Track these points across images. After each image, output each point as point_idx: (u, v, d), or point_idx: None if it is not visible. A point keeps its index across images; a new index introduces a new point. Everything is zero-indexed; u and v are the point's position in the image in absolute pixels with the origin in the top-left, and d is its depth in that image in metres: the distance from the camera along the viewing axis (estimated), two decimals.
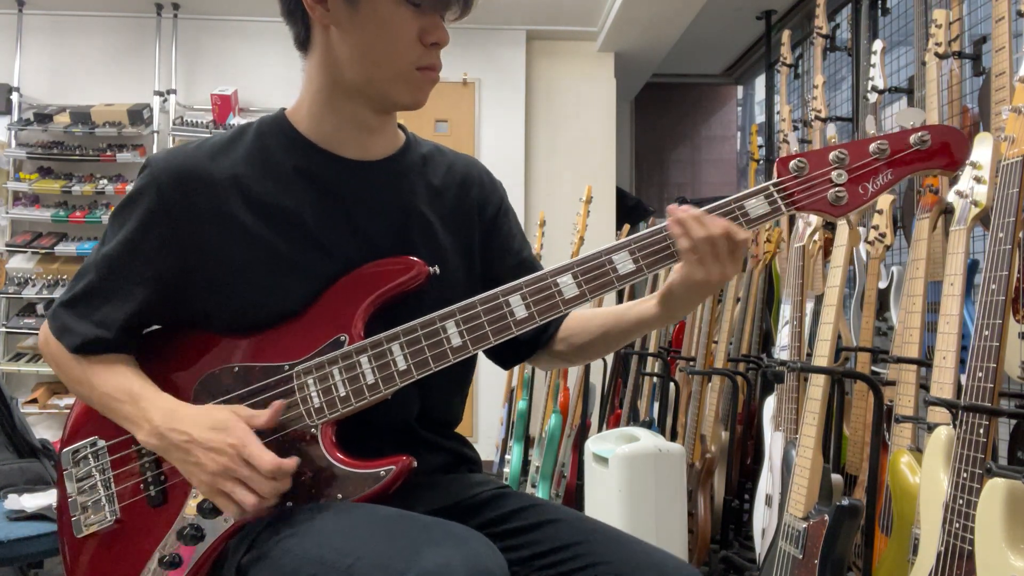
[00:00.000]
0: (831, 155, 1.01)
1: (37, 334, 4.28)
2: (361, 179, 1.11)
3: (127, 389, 1.05)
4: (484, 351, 1.24)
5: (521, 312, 1.03)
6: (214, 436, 0.98)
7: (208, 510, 1.03)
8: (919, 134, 1.00)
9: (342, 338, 1.04)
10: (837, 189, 1.01)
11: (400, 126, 1.20)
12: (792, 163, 1.02)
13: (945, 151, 1.00)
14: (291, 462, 0.98)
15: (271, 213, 1.06)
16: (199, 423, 0.99)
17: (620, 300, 4.26)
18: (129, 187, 4.43)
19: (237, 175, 1.06)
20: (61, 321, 1.08)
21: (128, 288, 1.06)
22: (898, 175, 1.01)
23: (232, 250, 1.05)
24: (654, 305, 1.11)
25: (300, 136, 1.11)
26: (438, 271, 1.09)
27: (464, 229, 1.19)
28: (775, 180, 1.03)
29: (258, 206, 1.06)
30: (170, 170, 1.05)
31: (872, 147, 1.01)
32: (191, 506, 1.04)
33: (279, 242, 1.06)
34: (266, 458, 0.97)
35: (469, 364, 1.17)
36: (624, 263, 1.02)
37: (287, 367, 1.05)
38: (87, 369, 1.07)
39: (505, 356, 1.27)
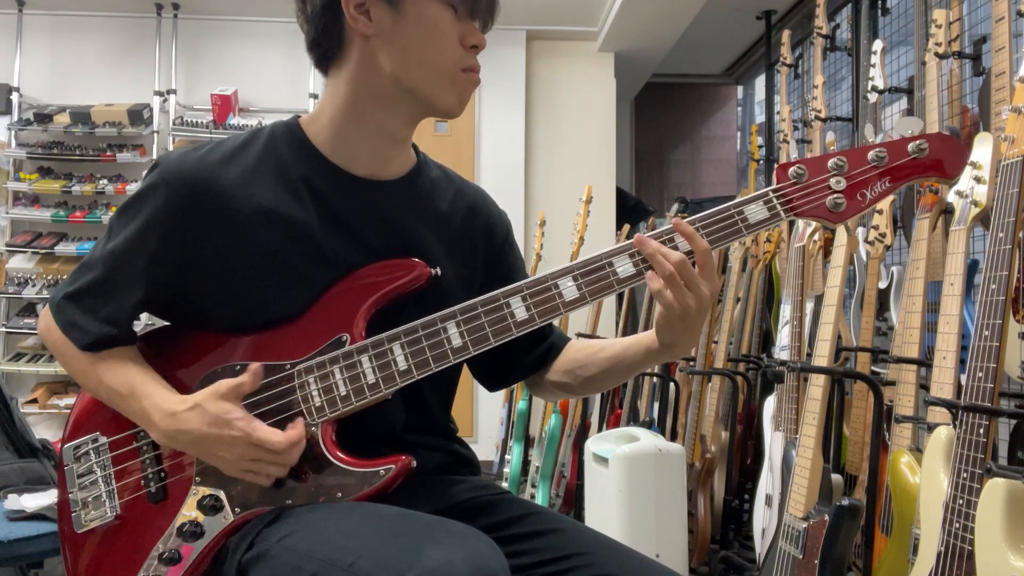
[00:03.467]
0: (830, 162, 1.02)
1: (37, 335, 4.30)
2: (369, 199, 1.11)
3: (129, 385, 1.05)
4: (471, 370, 1.25)
5: (522, 314, 1.03)
6: (218, 431, 0.98)
7: (208, 507, 1.03)
8: (917, 143, 1.01)
9: (343, 338, 1.05)
10: (836, 196, 1.01)
11: (412, 145, 1.20)
12: (792, 169, 1.02)
13: (943, 161, 1.01)
14: (298, 430, 1.00)
15: (278, 221, 1.06)
16: (199, 421, 0.99)
17: (620, 303, 4.26)
18: (130, 187, 4.46)
19: (247, 181, 1.06)
20: (68, 316, 1.08)
21: (133, 285, 1.06)
22: (896, 183, 1.01)
23: (236, 254, 1.05)
24: (655, 339, 1.09)
25: (313, 148, 1.11)
26: (439, 272, 1.09)
27: (467, 257, 1.19)
28: (775, 186, 1.03)
29: (265, 213, 1.06)
30: (181, 174, 1.04)
31: (871, 155, 1.01)
32: (191, 503, 1.04)
33: (284, 250, 1.06)
34: (274, 438, 0.98)
35: (455, 371, 1.17)
36: (624, 266, 1.03)
37: (288, 366, 1.05)
38: (94, 364, 1.08)
39: (495, 378, 1.28)
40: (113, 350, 1.09)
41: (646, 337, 1.12)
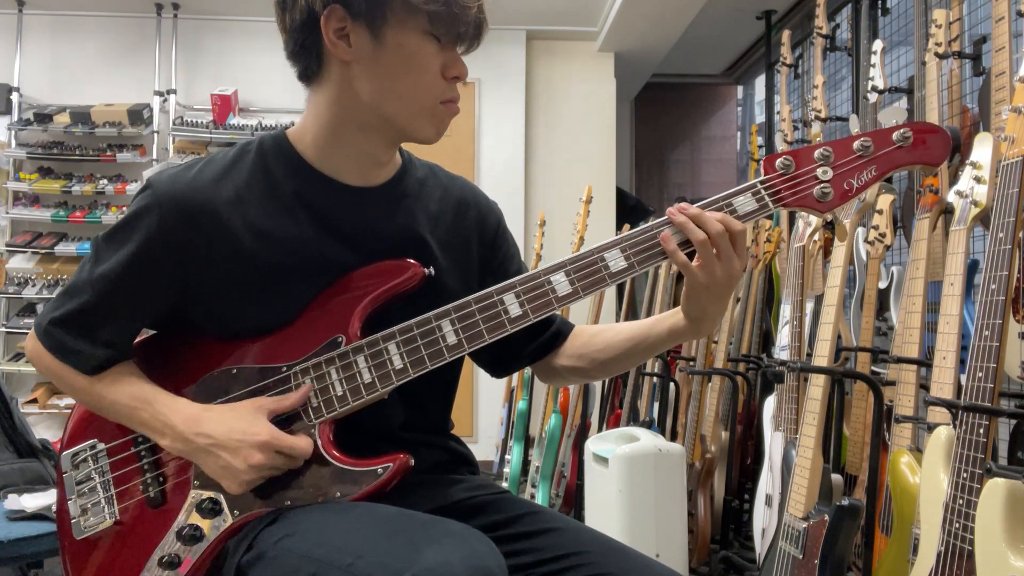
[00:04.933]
0: (816, 153, 1.03)
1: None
2: (360, 205, 1.11)
3: (141, 396, 1.05)
4: (474, 359, 1.25)
5: (516, 310, 1.03)
6: (239, 436, 0.99)
7: (207, 510, 1.03)
8: (902, 131, 1.02)
9: (339, 339, 1.05)
10: (823, 185, 1.02)
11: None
12: (779, 161, 1.04)
13: (926, 147, 1.02)
14: (310, 441, 1.03)
15: (272, 237, 1.06)
16: (222, 424, 1.00)
17: (620, 297, 4.26)
18: (130, 187, 4.45)
19: (239, 198, 1.06)
20: (59, 341, 1.07)
21: (126, 310, 1.06)
22: (881, 171, 1.03)
23: (232, 274, 1.05)
24: (682, 317, 1.11)
25: (302, 161, 1.10)
26: (432, 272, 1.09)
27: (460, 251, 1.19)
28: (762, 178, 1.04)
29: (260, 232, 1.05)
30: (174, 197, 1.03)
31: (856, 144, 1.03)
32: (190, 506, 1.04)
33: (279, 266, 1.05)
34: (301, 444, 1.01)
35: (454, 368, 1.17)
36: (616, 260, 1.03)
37: (284, 368, 1.05)
38: (95, 383, 1.07)
39: (500, 366, 1.28)
40: (113, 367, 1.09)
41: (669, 316, 1.13)
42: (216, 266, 1.04)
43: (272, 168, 1.09)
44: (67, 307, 1.07)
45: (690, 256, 1.03)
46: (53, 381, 1.11)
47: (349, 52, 1.03)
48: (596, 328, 1.25)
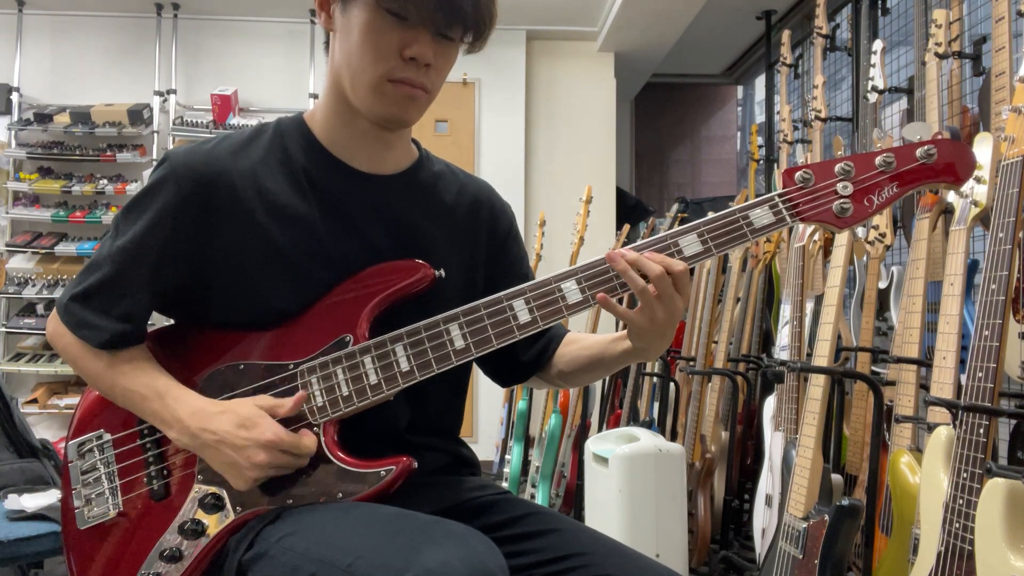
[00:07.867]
0: (837, 167, 1.01)
1: (37, 334, 4.31)
2: (371, 193, 1.11)
3: (152, 386, 1.05)
4: (482, 368, 1.26)
5: (524, 316, 1.03)
6: (245, 434, 0.99)
7: (210, 506, 1.03)
8: (926, 148, 1.00)
9: (347, 338, 1.05)
10: (842, 201, 1.00)
11: (414, 141, 1.20)
12: (798, 174, 1.01)
13: (951, 166, 1.00)
14: (314, 438, 1.02)
15: (284, 214, 1.07)
16: (227, 421, 1.00)
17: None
18: (130, 187, 4.44)
19: (255, 173, 1.07)
20: (77, 316, 1.07)
21: (144, 282, 1.07)
22: (903, 189, 1.00)
23: (243, 247, 1.05)
24: (631, 344, 1.10)
25: (317, 142, 1.11)
26: (443, 274, 1.09)
27: (469, 249, 1.19)
28: (780, 191, 1.02)
29: (273, 206, 1.06)
30: (190, 167, 1.05)
31: (878, 160, 1.00)
32: (193, 501, 1.04)
33: (289, 245, 1.06)
34: (305, 442, 1.01)
35: (464, 372, 1.18)
36: None
37: (291, 366, 1.05)
38: (110, 365, 1.07)
39: (504, 374, 1.28)
40: (129, 351, 1.08)
41: (622, 341, 1.13)
42: (229, 237, 1.05)
43: (288, 146, 1.10)
44: (87, 283, 1.07)
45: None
46: (69, 363, 1.11)
47: (330, 22, 1.06)
48: (572, 336, 1.26)
